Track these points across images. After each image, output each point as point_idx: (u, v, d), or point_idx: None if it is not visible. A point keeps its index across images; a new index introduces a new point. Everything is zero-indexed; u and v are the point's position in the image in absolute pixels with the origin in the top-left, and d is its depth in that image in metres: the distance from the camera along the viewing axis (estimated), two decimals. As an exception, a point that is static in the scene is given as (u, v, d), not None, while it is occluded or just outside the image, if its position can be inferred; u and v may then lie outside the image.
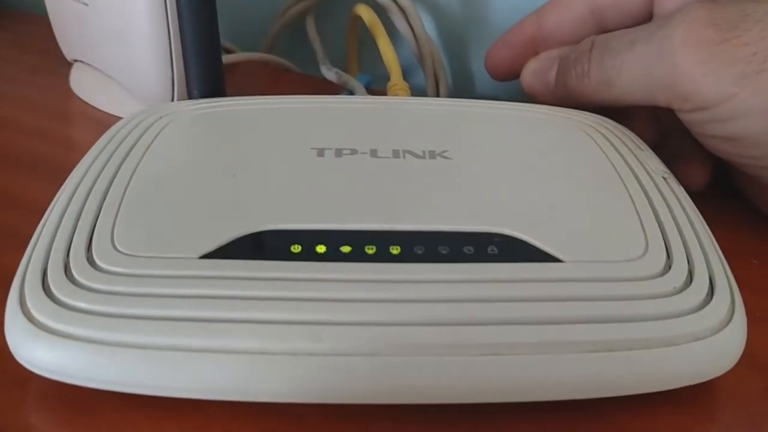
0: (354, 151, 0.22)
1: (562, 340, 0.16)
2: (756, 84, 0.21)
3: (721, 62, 0.21)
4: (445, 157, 0.22)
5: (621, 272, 0.18)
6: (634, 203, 0.20)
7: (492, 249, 0.18)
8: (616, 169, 0.22)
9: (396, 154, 0.22)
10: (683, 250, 0.18)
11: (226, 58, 0.35)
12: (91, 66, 0.34)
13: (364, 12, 0.35)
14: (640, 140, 0.24)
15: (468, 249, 0.18)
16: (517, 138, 0.24)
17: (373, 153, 0.22)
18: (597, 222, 0.19)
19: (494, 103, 0.27)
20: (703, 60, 0.21)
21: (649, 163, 0.22)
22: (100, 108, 0.34)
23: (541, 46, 0.29)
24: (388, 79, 0.33)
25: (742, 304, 0.17)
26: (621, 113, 0.26)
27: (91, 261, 0.17)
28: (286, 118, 0.25)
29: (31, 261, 0.18)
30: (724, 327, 0.17)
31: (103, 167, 0.21)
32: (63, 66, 0.37)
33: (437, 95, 0.37)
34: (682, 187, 0.22)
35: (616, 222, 0.19)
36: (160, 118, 0.25)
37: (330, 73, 0.37)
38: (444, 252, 0.18)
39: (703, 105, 0.22)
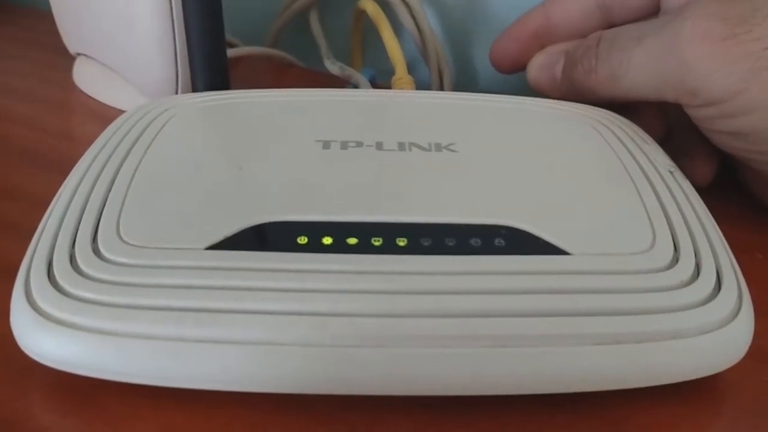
0: (359, 144, 0.22)
1: (568, 332, 0.16)
2: (765, 79, 0.21)
3: (730, 58, 0.21)
4: (451, 150, 0.22)
5: (628, 265, 0.17)
6: (641, 197, 0.20)
7: (499, 241, 0.18)
8: (622, 163, 0.22)
9: (402, 146, 0.22)
10: (690, 244, 0.18)
11: (229, 53, 0.34)
12: (95, 60, 0.34)
13: (369, 6, 0.35)
14: (647, 135, 0.24)
15: (475, 241, 0.18)
16: (523, 131, 0.24)
17: (379, 145, 0.22)
18: (604, 215, 0.19)
19: (500, 96, 0.27)
20: (712, 55, 0.21)
21: (656, 158, 0.22)
22: (103, 101, 0.34)
23: (547, 39, 0.29)
24: (392, 74, 0.33)
25: (750, 297, 0.17)
26: (627, 108, 0.26)
27: (96, 252, 0.17)
28: (291, 110, 0.25)
29: (37, 251, 0.18)
30: (732, 320, 0.17)
31: (108, 159, 0.21)
32: (66, 60, 0.37)
33: (441, 90, 0.37)
34: (688, 182, 0.22)
35: (623, 215, 0.19)
36: (165, 110, 0.25)
37: (334, 68, 0.37)
38: (451, 244, 0.18)
39: (712, 101, 0.22)
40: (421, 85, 0.33)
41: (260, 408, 0.17)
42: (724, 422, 0.17)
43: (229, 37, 0.41)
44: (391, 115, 0.25)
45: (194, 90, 0.28)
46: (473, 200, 0.20)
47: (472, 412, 0.17)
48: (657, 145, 0.24)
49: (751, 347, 0.17)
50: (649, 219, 0.19)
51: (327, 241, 0.18)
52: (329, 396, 0.17)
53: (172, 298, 0.16)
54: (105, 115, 0.32)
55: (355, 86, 0.35)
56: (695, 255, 0.18)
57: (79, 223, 0.18)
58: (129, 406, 0.17)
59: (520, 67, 0.30)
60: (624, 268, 0.17)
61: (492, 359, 0.16)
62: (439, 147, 0.22)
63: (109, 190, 0.20)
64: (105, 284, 0.17)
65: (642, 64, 0.24)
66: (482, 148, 0.22)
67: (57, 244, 0.18)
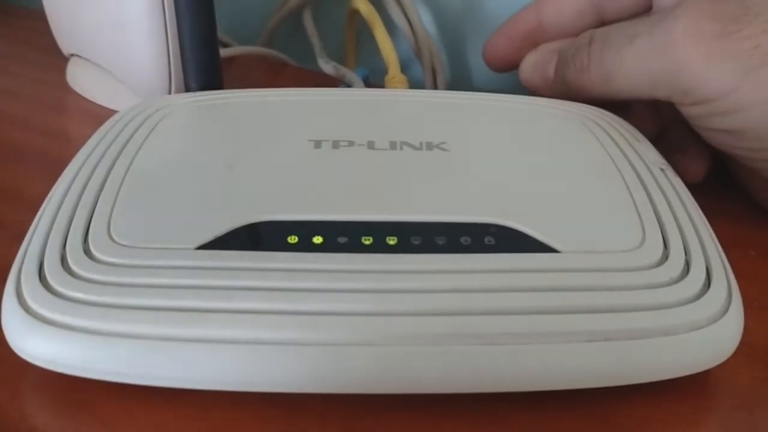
0: (351, 143, 0.22)
1: (559, 330, 0.16)
2: (758, 78, 0.21)
3: (723, 56, 0.21)
4: (442, 149, 0.22)
5: (618, 263, 0.18)
6: (631, 194, 0.20)
7: (489, 240, 0.18)
8: (613, 161, 0.22)
9: (393, 145, 0.22)
10: (680, 241, 0.18)
11: (223, 52, 0.35)
12: (88, 60, 0.34)
13: (362, 5, 0.35)
14: (638, 132, 0.24)
15: (465, 240, 0.18)
16: (514, 130, 0.24)
17: (370, 144, 0.22)
18: (594, 213, 0.19)
19: (492, 95, 0.27)
20: (704, 54, 0.21)
21: (647, 155, 0.22)
22: (96, 102, 0.34)
23: (540, 37, 0.29)
24: (386, 73, 0.33)
25: (739, 293, 0.17)
26: (619, 105, 0.26)
27: (87, 252, 0.17)
28: (283, 110, 0.25)
29: (28, 252, 0.18)
30: (721, 317, 0.17)
31: (100, 159, 0.21)
32: (59, 60, 0.37)
33: (435, 89, 0.37)
34: (680, 179, 0.22)
35: (614, 213, 0.19)
36: (157, 110, 0.25)
37: (327, 67, 0.37)
38: (441, 243, 0.18)
39: (705, 99, 0.22)
40: (415, 84, 0.33)
41: (253, 407, 0.17)
42: (715, 418, 0.17)
43: (222, 36, 0.41)
44: (384, 114, 0.25)
45: (187, 90, 0.28)
46: (463, 198, 0.20)
47: (463, 409, 0.17)
48: (649, 142, 0.24)
49: (742, 343, 0.17)
50: (639, 216, 0.19)
51: (317, 240, 0.18)
52: (321, 395, 0.17)
53: (163, 297, 0.16)
54: (98, 116, 0.32)
55: (349, 85, 0.35)
56: (685, 252, 0.18)
57: (70, 223, 0.18)
58: (122, 405, 0.17)
59: (513, 66, 0.30)
60: (614, 265, 0.17)
61: (483, 357, 0.16)
62: (430, 146, 0.22)
63: (101, 191, 0.20)
64: (96, 284, 0.17)
65: (634, 62, 0.24)
66: (473, 146, 0.23)
67: (48, 244, 0.18)
